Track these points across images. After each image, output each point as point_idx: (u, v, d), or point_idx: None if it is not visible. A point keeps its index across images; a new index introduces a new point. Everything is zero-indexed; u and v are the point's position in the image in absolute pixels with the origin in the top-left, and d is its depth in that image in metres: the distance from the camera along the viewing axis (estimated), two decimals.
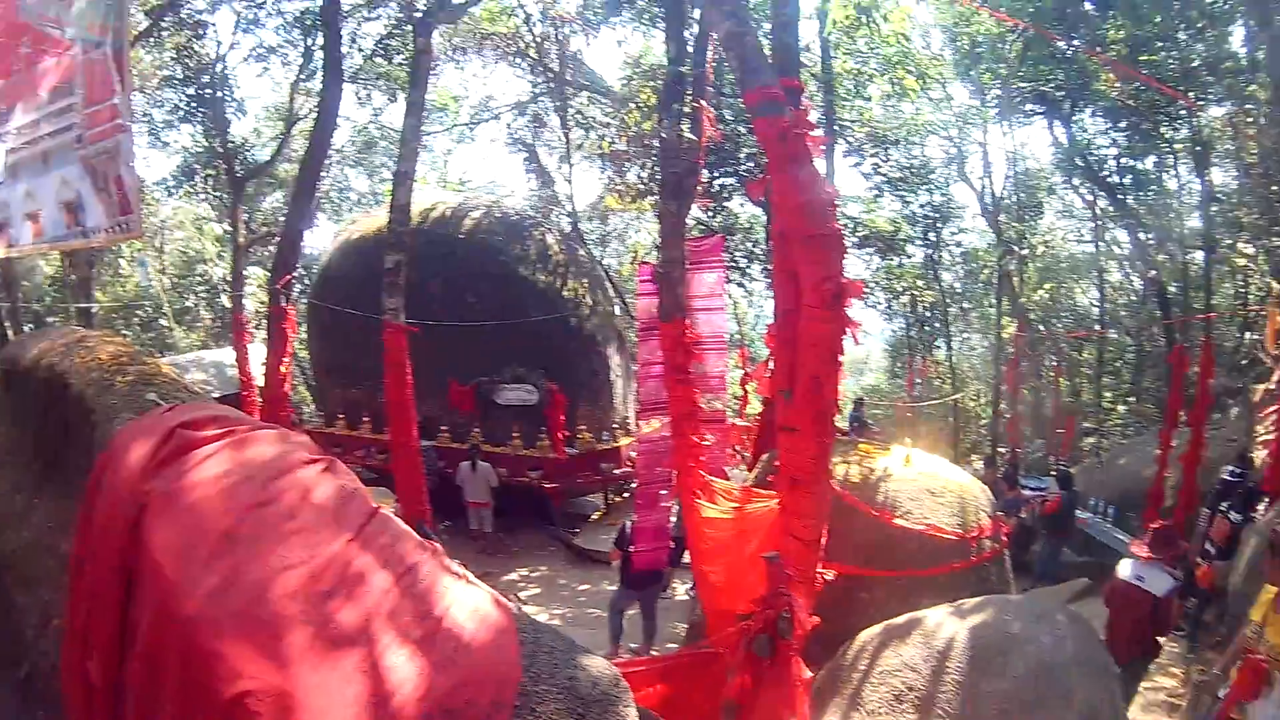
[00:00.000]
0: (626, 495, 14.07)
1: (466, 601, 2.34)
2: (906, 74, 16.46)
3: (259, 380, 10.50)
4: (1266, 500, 7.50)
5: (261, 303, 19.41)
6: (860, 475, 6.36)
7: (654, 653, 7.67)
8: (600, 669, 2.51)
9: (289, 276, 9.34)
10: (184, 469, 1.98)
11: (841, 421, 14.15)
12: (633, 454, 13.66)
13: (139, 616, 1.85)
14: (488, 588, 2.55)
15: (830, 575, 4.55)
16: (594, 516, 13.65)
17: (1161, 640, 6.10)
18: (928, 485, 6.46)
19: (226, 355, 16.91)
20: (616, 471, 13.60)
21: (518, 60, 18.91)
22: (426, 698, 1.98)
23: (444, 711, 2.00)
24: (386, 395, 8.05)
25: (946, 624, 4.61)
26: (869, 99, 17.28)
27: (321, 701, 1.84)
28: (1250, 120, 16.35)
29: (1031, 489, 12.02)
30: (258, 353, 11.43)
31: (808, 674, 4.02)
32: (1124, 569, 6.08)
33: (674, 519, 7.89)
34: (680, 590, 10.17)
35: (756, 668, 3.85)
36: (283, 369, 9.12)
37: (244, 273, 20.12)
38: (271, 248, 18.37)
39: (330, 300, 12.92)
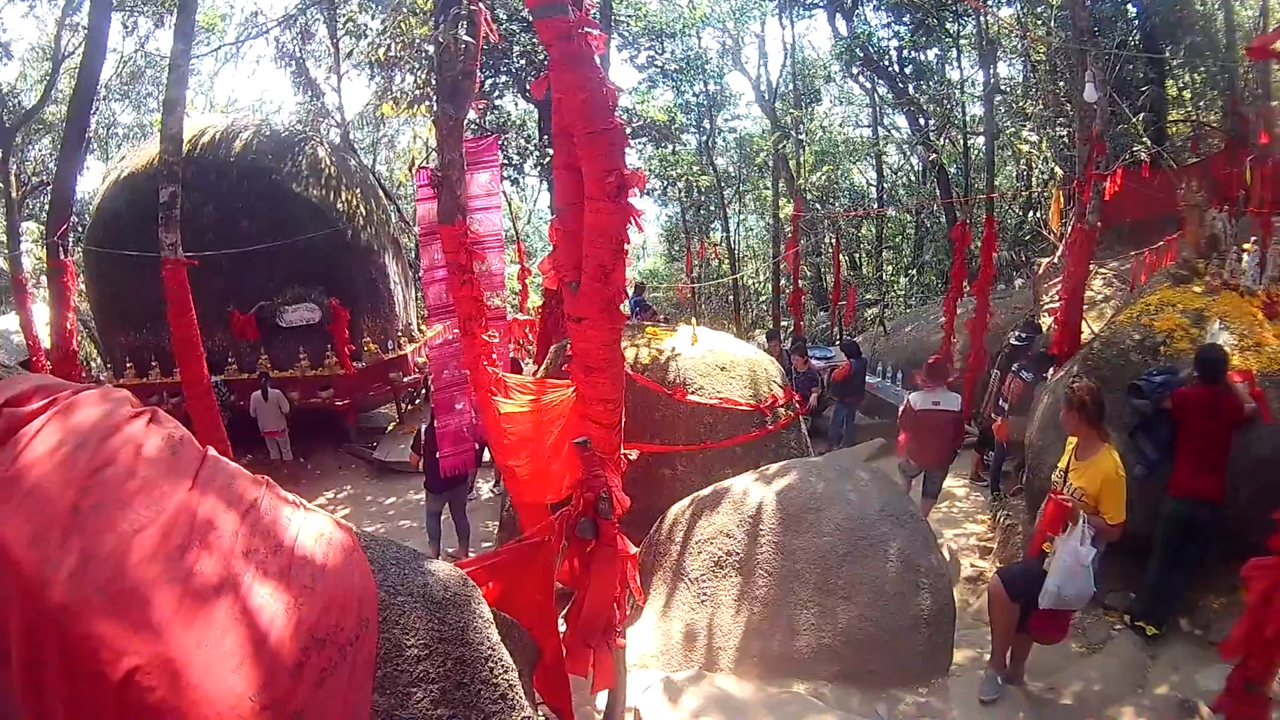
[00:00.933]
0: (418, 402, 14.05)
1: (310, 528, 2.36)
2: None
3: (45, 343, 9.75)
4: (1055, 362, 8.12)
5: (39, 259, 17.71)
6: (650, 357, 6.58)
7: (471, 553, 7.85)
8: (448, 572, 2.61)
9: (64, 226, 8.46)
10: (17, 450, 1.85)
11: (624, 307, 14.90)
12: (420, 360, 13.52)
13: (4, 623, 1.74)
14: (324, 511, 2.55)
15: (633, 455, 4.72)
16: (389, 428, 13.57)
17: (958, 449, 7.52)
18: (717, 361, 6.74)
19: (9, 321, 15.34)
20: (406, 379, 13.58)
21: None
22: (299, 630, 2.02)
23: (317, 641, 2.04)
24: (173, 335, 7.50)
25: (753, 490, 4.87)
26: None
27: (205, 658, 1.84)
28: (1040, 21, 17.43)
29: (818, 358, 12.80)
30: (41, 313, 10.57)
31: (634, 549, 4.27)
32: (917, 400, 7.57)
33: (473, 420, 8.01)
34: (484, 489, 10.38)
35: (582, 550, 4.03)
36: (68, 325, 8.43)
37: (19, 229, 17.74)
38: (45, 199, 16.59)
39: (106, 244, 11.71)
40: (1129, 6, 17.64)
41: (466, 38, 6.39)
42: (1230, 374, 5.32)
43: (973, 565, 7.17)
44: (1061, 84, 17.01)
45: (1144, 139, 12.70)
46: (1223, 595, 5.40)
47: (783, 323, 17.67)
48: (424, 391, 13.87)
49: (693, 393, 6.39)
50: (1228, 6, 14.00)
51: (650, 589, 4.93)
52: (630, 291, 16.40)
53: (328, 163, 13.60)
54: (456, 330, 6.64)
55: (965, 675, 4.79)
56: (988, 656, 4.76)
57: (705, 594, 4.63)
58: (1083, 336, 8.52)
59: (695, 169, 24.68)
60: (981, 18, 15.89)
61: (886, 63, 22.28)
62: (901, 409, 7.76)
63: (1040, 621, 4.47)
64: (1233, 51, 13.40)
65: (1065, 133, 16.91)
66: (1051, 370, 7.93)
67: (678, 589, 4.75)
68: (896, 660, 4.47)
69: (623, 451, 4.62)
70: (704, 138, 24.32)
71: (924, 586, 4.59)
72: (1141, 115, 14.48)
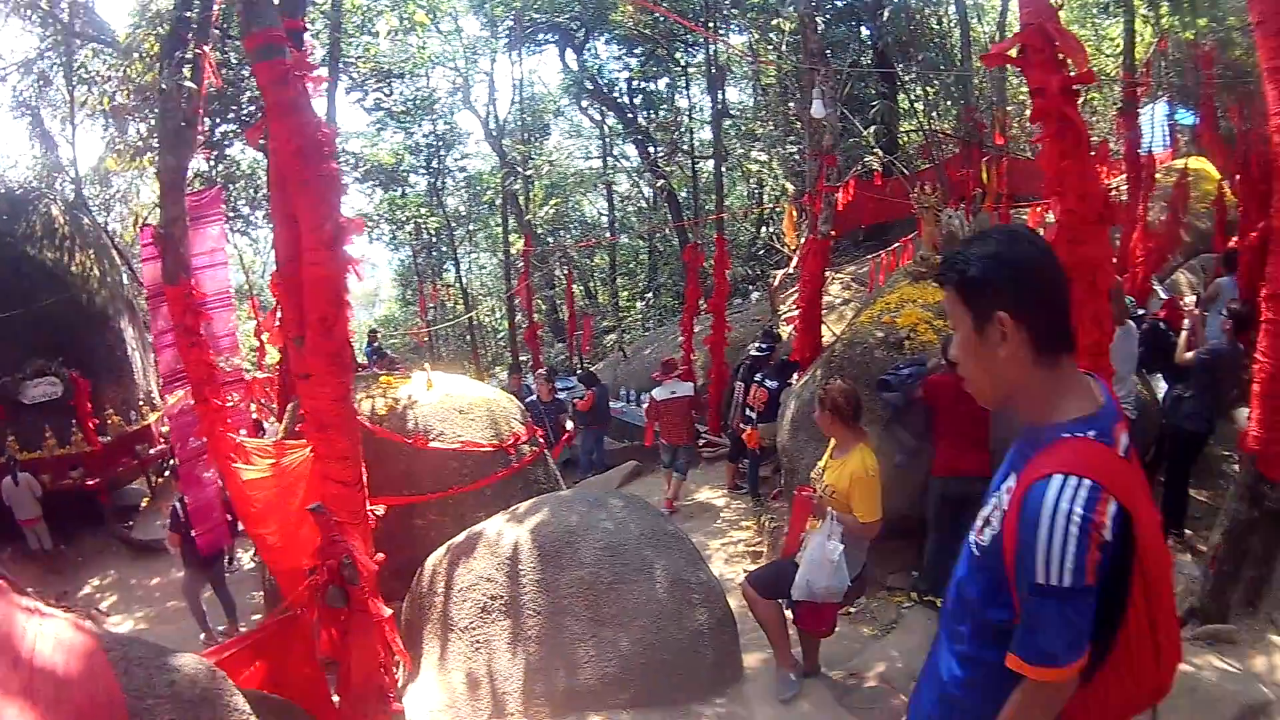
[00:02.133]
0: (168, 475, 13.02)
1: (49, 634, 2.24)
2: (417, 8, 16.23)
3: None
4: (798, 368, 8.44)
5: None
6: (387, 407, 6.39)
7: (242, 628, 7.38)
8: (194, 666, 2.51)
9: None
10: None
11: (360, 356, 14.44)
12: (164, 429, 12.53)
13: None
14: (62, 612, 2.43)
15: (380, 510, 4.57)
16: (143, 504, 12.44)
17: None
18: (455, 405, 6.61)
19: None
20: (152, 451, 12.58)
21: (28, 12, 15.27)
22: None
23: None
24: None
25: (506, 531, 4.75)
26: (376, 34, 16.89)
27: None
28: (772, 47, 18.20)
29: (560, 388, 12.73)
30: None
31: (388, 611, 4.07)
32: (659, 393, 9.31)
33: (221, 490, 7.51)
34: (244, 559, 9.82)
35: (337, 619, 3.85)
36: None
37: None
38: None
39: None
40: (862, 29, 19.25)
41: (189, 84, 5.99)
42: None
43: (744, 571, 7.41)
44: (791, 104, 18.08)
45: (875, 149, 13.94)
46: None
47: (522, 357, 17.82)
48: (171, 463, 12.95)
49: (433, 439, 6.23)
50: (964, 23, 15.48)
51: (424, 643, 4.74)
52: (366, 341, 16.32)
53: (62, 222, 12.50)
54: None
55: (760, 678, 4.79)
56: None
57: (478, 641, 4.46)
58: (824, 340, 9.03)
59: (424, 210, 24.61)
60: (712, 47, 16.77)
61: (616, 94, 23.11)
62: (647, 405, 8.87)
63: (802, 615, 4.55)
64: (969, 63, 14.72)
65: (796, 150, 17.93)
66: (795, 376, 8.29)
67: (449, 640, 4.57)
68: (688, 676, 4.47)
69: (369, 508, 4.43)
70: (433, 178, 24.11)
71: (698, 601, 4.61)
72: (873, 128, 15.62)
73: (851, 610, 5.69)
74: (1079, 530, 1.36)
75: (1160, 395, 6.74)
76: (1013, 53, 3.50)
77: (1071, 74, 3.31)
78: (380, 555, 4.05)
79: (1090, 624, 1.42)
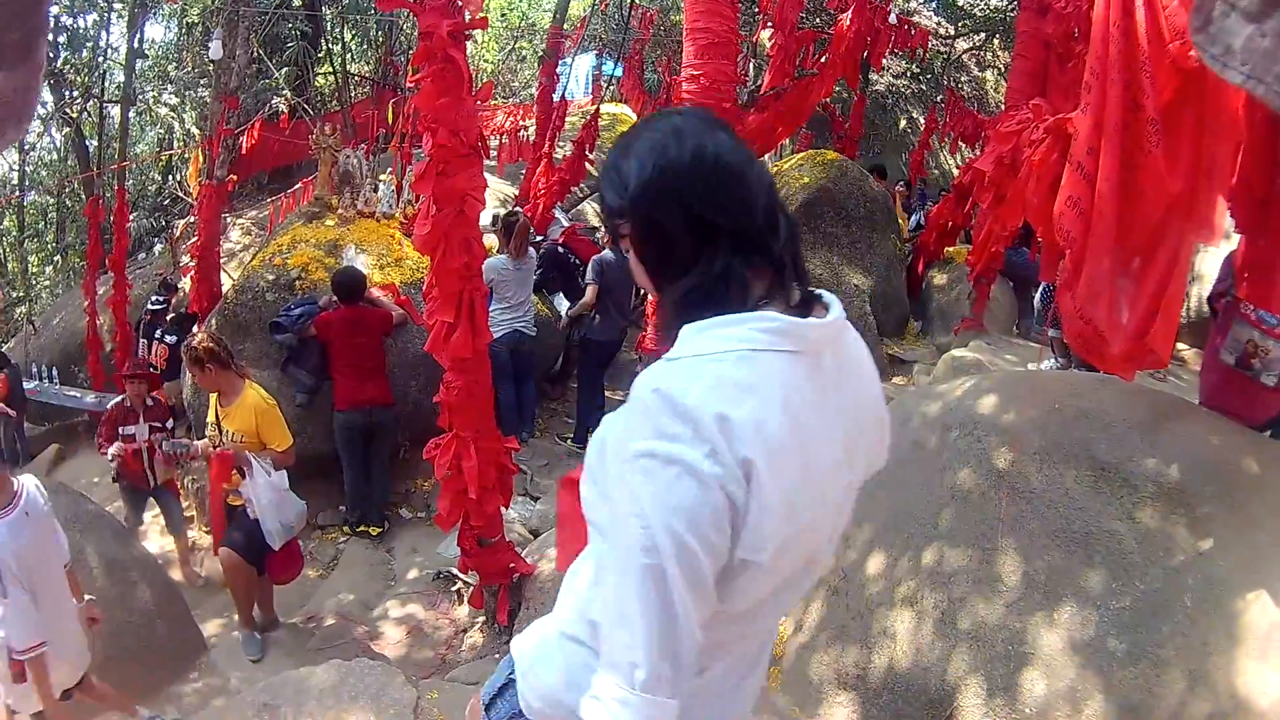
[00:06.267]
0: None
1: None
2: None
3: None
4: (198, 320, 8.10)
5: None
6: None
7: None
8: None
9: None
10: None
11: None
12: None
13: None
14: None
15: None
16: None
17: None
18: None
19: None
20: None
21: None
22: None
23: None
24: None
25: None
26: None
27: None
28: None
29: None
30: None
31: None
32: None
33: None
34: None
35: None
36: None
37: None
38: None
39: None
40: None
41: None
42: (371, 290, 5.84)
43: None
44: (209, 45, 16.82)
45: (285, 92, 13.19)
46: (428, 478, 6.11)
47: None
48: None
49: None
50: None
51: None
52: None
53: None
54: None
55: (224, 644, 4.81)
56: (237, 618, 4.79)
57: None
58: (225, 289, 8.65)
59: None
60: None
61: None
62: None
63: (277, 563, 4.56)
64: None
65: (208, 93, 16.77)
66: (196, 328, 7.86)
67: None
68: (153, 660, 4.31)
69: None
70: None
71: (137, 579, 4.42)
72: (285, 70, 15.16)
73: None
74: None
75: (563, 312, 7.36)
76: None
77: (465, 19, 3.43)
78: None
79: None
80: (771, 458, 0.98)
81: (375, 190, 7.32)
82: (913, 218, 10.08)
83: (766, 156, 8.52)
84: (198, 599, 5.43)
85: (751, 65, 13.48)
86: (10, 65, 0.73)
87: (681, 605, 0.96)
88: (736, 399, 0.98)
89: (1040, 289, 7.25)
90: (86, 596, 3.54)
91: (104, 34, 20.67)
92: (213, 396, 4.51)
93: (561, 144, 10.67)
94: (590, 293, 6.46)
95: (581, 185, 10.31)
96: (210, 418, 4.51)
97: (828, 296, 1.19)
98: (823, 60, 7.36)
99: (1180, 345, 7.31)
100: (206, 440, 4.54)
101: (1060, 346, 6.18)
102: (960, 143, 11.66)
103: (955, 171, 12.15)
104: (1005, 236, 6.11)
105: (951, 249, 8.67)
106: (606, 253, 6.57)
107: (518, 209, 7.92)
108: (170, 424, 6.02)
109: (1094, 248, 2.81)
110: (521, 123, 14.43)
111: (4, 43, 0.71)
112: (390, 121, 13.19)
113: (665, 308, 1.13)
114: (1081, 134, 2.84)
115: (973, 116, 9.35)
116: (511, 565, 4.17)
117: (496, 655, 3.85)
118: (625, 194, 1.11)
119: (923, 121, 14.24)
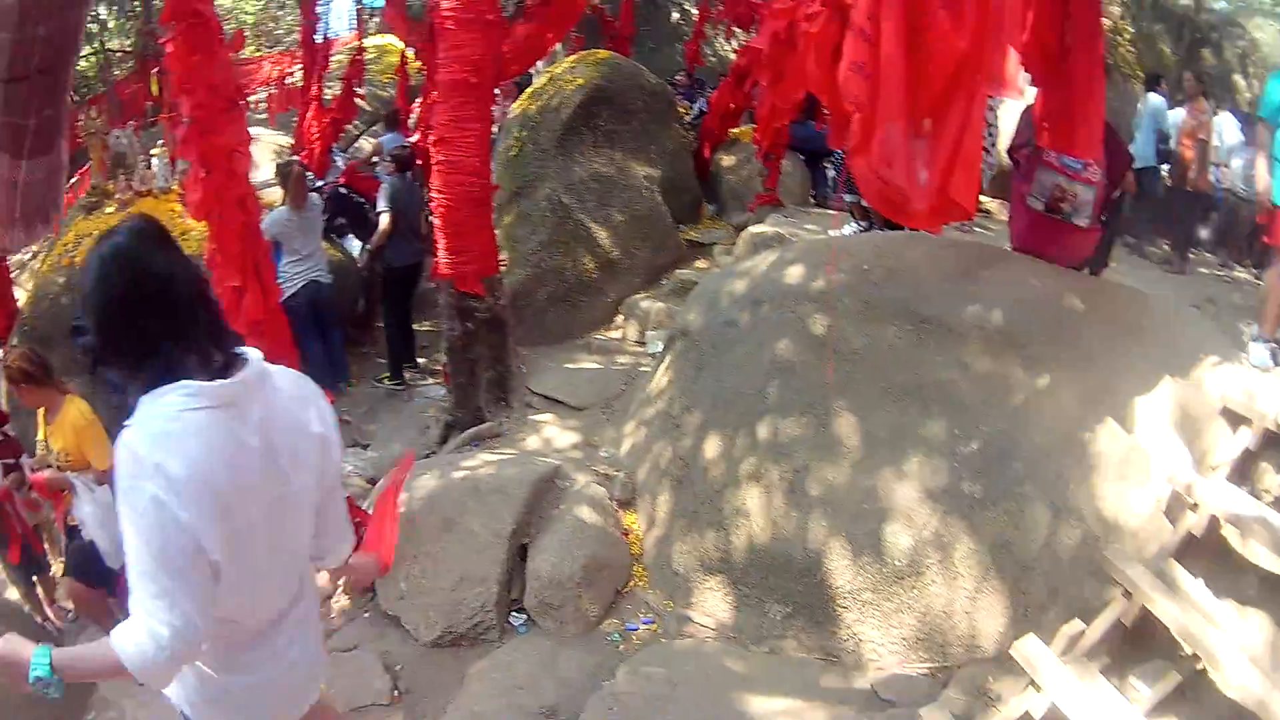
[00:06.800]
0: None
1: None
2: None
3: None
4: None
5: None
6: None
7: None
8: None
9: None
10: None
11: None
12: None
13: None
14: None
15: None
16: None
17: None
18: None
19: None
20: None
21: None
22: None
23: None
24: None
25: None
26: None
27: None
28: None
29: None
30: None
31: None
32: None
33: None
34: None
35: None
36: None
37: None
38: None
39: None
40: None
41: None
42: None
43: None
44: None
45: None
46: None
47: None
48: None
49: None
50: None
51: None
52: None
53: None
54: None
55: None
56: None
57: None
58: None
59: None
60: None
61: None
62: None
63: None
64: None
65: None
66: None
67: None
68: (41, 710, 3.71)
69: None
70: None
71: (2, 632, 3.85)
72: None
73: None
74: None
75: (356, 253, 7.17)
76: None
77: None
78: None
79: None
80: (203, 486, 1.42)
81: (149, 167, 6.81)
82: (695, 106, 10.15)
83: (540, 62, 8.33)
84: (74, 634, 4.98)
85: None
86: (30, 155, 0.63)
87: (174, 577, 1.42)
88: (172, 447, 1.41)
89: (835, 157, 7.39)
90: None
91: None
92: (40, 413, 4.20)
93: (330, 84, 10.22)
94: (386, 220, 6.34)
95: (355, 122, 9.84)
96: (40, 435, 4.24)
97: (250, 354, 1.59)
98: None
99: (983, 197, 7.68)
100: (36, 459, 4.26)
101: (860, 210, 6.29)
102: (735, 29, 11.69)
103: (733, 57, 12.17)
104: (788, 111, 6.18)
105: (736, 130, 8.78)
106: (393, 179, 6.55)
107: (293, 158, 7.55)
108: (25, 458, 5.40)
109: (884, 110, 2.84)
110: (288, 70, 13.70)
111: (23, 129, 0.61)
112: (156, 93, 12.20)
113: (127, 388, 1.51)
114: (862, 1, 2.85)
115: (745, 1, 9.35)
116: (357, 520, 4.04)
117: (365, 613, 3.72)
118: (84, 315, 1.54)
119: (695, 12, 14.18)
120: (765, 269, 3.78)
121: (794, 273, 3.61)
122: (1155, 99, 7.94)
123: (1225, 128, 7.85)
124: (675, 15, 16.81)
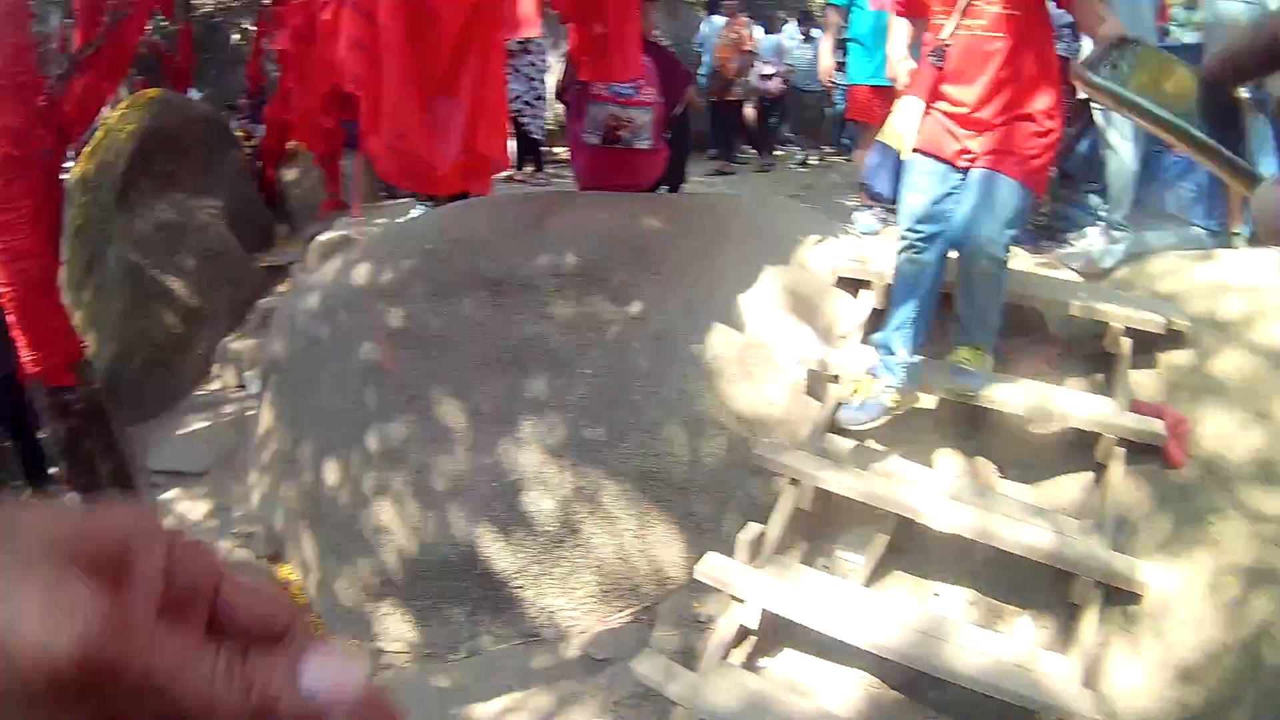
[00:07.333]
0: None
1: None
2: None
3: None
4: None
5: None
6: None
7: None
8: None
9: None
10: None
11: None
12: None
13: None
14: None
15: None
16: None
17: None
18: None
19: None
20: None
21: None
22: None
23: None
24: None
25: None
26: None
27: None
28: None
29: None
30: None
31: None
32: None
33: None
34: None
35: None
36: None
37: None
38: None
39: None
40: None
41: None
42: None
43: None
44: None
45: None
46: None
47: None
48: None
49: None
50: None
51: None
52: None
53: None
54: None
55: None
56: None
57: None
58: None
59: None
60: None
61: None
62: None
63: None
64: None
65: None
66: None
67: None
68: None
69: None
70: None
71: None
72: None
73: None
74: None
75: None
76: None
77: None
78: None
79: None
80: None
81: None
82: (261, 126, 9.71)
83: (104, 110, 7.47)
84: None
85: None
86: None
87: None
88: None
89: None
90: None
91: None
92: None
93: None
94: None
95: None
96: None
97: None
98: None
99: (557, 148, 7.91)
100: None
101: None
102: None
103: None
104: (329, 108, 5.93)
105: (292, 143, 8.47)
106: None
107: None
108: None
109: (391, 82, 2.68)
110: None
111: None
112: None
113: None
114: None
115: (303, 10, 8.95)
116: None
117: None
118: None
119: (255, 30, 13.44)
120: (334, 276, 3.55)
121: (362, 272, 3.40)
122: (718, 20, 8.52)
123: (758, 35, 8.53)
124: (236, 37, 15.68)
